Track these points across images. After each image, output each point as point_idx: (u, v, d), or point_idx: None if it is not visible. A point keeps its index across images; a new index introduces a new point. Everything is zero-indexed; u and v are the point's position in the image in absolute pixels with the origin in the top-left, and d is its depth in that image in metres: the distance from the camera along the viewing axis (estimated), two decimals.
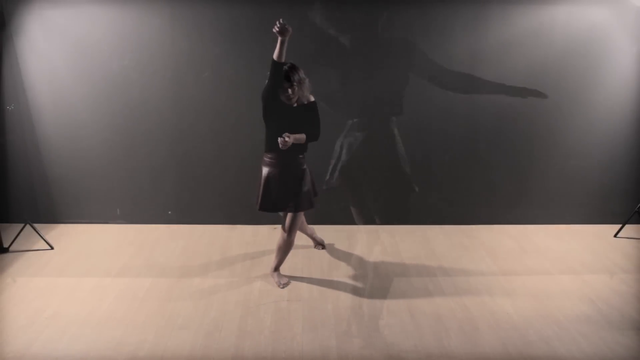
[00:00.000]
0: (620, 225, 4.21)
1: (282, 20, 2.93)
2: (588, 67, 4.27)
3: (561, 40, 4.21)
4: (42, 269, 3.60)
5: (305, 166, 3.32)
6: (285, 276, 3.44)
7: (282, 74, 3.07)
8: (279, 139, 3.07)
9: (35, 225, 3.98)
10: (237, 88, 4.21)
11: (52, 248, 3.90)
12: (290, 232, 3.32)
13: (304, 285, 3.40)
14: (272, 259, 3.48)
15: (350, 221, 4.45)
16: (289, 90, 3.11)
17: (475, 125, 4.35)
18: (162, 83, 4.23)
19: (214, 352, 2.69)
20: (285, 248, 3.36)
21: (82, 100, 4.24)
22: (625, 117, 4.35)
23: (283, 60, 3.02)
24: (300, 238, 3.75)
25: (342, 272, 3.58)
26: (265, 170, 3.27)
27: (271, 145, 3.20)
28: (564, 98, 4.30)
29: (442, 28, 4.18)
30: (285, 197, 3.27)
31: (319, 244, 3.95)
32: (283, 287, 3.35)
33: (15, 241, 3.87)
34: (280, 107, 3.17)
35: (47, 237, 3.95)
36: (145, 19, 4.14)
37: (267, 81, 3.11)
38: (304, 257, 3.81)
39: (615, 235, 4.20)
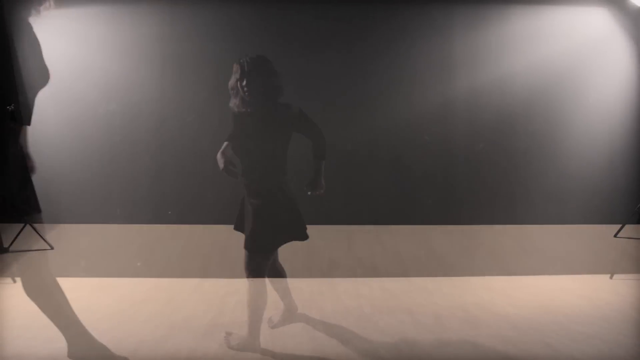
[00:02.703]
0: (620, 225, 4.21)
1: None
2: (588, 67, 4.27)
3: (561, 40, 4.21)
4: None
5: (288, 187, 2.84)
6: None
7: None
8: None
9: (35, 225, 3.97)
10: None
11: (52, 248, 3.89)
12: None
13: (304, 285, 3.39)
14: None
15: (350, 221, 4.44)
16: (245, 89, 2.51)
17: (475, 125, 4.35)
18: (162, 82, 4.22)
19: (214, 352, 2.69)
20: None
21: (82, 100, 4.24)
22: (625, 118, 4.35)
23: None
24: None
25: (342, 272, 3.58)
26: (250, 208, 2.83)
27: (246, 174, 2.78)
28: (563, 98, 4.30)
29: (442, 28, 4.19)
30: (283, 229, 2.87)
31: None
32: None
33: (15, 241, 3.87)
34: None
35: (47, 237, 3.95)
36: (146, 18, 4.14)
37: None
38: (304, 257, 3.80)
39: (615, 235, 4.19)
